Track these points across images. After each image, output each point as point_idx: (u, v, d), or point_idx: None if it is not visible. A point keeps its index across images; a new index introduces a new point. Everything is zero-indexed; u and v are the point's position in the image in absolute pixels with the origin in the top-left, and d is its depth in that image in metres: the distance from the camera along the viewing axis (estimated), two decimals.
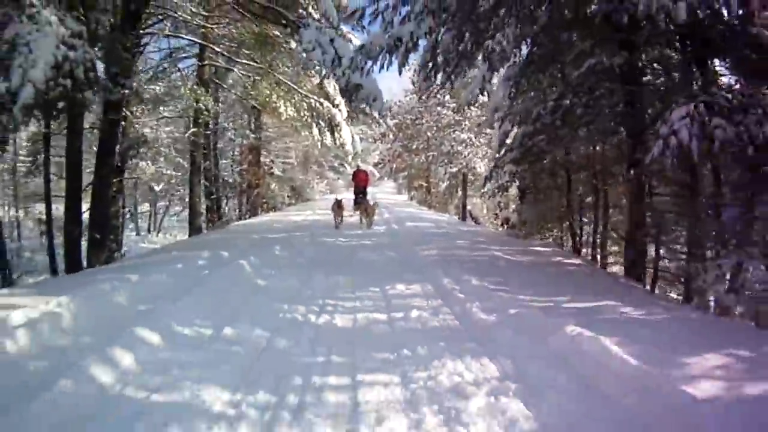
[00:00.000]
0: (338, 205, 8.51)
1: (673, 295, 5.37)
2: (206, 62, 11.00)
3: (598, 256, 6.57)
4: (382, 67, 4.57)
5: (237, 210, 15.27)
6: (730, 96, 3.62)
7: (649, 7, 3.23)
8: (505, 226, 8.38)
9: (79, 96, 4.78)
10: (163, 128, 11.41)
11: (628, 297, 3.49)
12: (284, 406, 1.71)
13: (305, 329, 2.65)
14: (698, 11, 3.45)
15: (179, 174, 12.33)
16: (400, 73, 4.56)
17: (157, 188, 13.75)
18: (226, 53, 10.20)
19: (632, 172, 4.39)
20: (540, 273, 4.37)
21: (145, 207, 17.41)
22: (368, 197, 9.47)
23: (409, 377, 1.95)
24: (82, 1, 5.34)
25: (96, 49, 5.16)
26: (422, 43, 4.58)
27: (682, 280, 4.63)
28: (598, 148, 6.20)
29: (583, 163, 6.44)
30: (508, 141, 6.72)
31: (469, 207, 12.62)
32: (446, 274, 3.84)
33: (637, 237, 4.89)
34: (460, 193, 12.52)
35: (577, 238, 6.81)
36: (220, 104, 11.84)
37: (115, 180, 7.75)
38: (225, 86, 12.17)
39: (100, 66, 5.08)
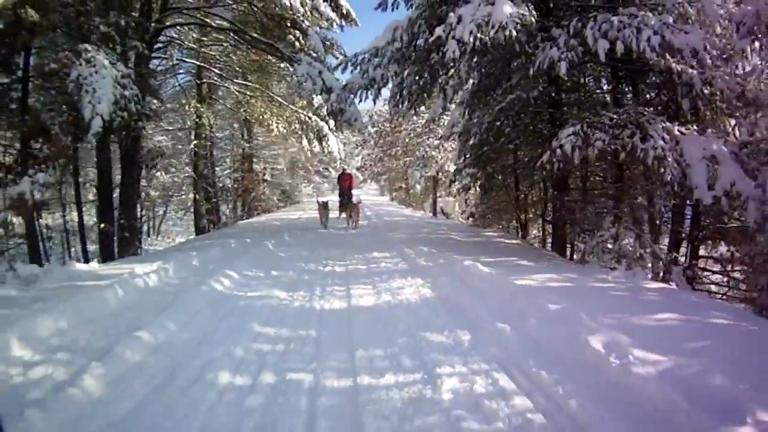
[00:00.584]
0: (324, 207, 9.20)
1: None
2: (204, 80, 12.64)
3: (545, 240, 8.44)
4: (360, 99, 6.36)
5: (232, 213, 16.82)
6: (615, 116, 5.41)
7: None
8: (470, 219, 10.15)
9: (132, 124, 6.45)
10: (169, 141, 13.02)
11: (532, 258, 5.27)
12: (313, 297, 3.45)
13: (317, 271, 4.45)
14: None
15: (177, 181, 13.87)
16: (374, 104, 6.38)
17: (154, 194, 15.22)
18: (223, 75, 11.83)
19: (543, 173, 6.23)
20: (478, 246, 6.16)
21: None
22: (353, 198, 10.14)
23: (376, 286, 3.73)
24: (121, 41, 6.97)
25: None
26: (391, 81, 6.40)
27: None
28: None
29: (526, 166, 8.30)
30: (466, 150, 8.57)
31: (441, 205, 14.55)
32: (407, 247, 5.62)
33: (558, 221, 6.74)
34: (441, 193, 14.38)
35: (523, 226, 8.67)
36: (215, 117, 13.45)
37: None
38: (220, 101, 13.81)
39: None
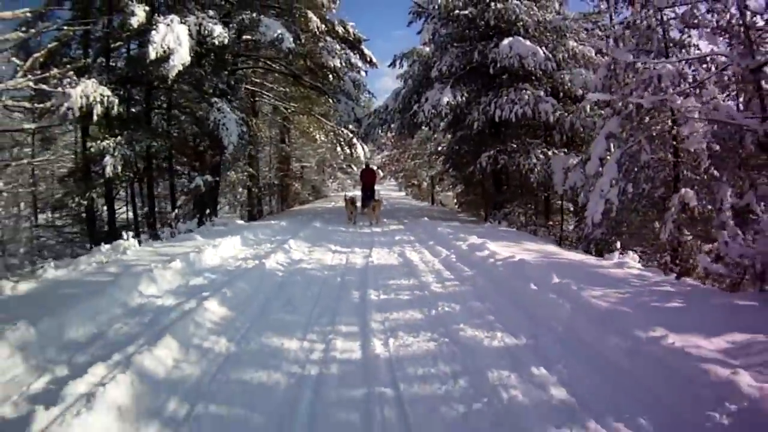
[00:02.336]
0: (351, 203, 10.50)
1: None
2: (257, 99, 17.87)
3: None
4: (378, 131, 11.50)
5: (275, 205, 22.09)
6: (515, 145, 10.45)
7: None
8: (458, 207, 15.09)
9: (249, 147, 11.73)
10: None
11: (477, 225, 10.26)
12: (357, 252, 8.35)
13: (356, 237, 9.45)
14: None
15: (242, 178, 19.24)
16: (385, 135, 11.49)
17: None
18: (274, 97, 16.99)
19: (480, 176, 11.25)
20: (447, 219, 11.13)
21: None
22: (376, 195, 11.45)
23: (385, 233, 8.81)
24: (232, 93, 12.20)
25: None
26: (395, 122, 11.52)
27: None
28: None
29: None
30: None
31: (441, 197, 19.56)
32: (404, 218, 10.73)
33: (495, 204, 11.73)
34: (437, 188, 19.40)
35: (485, 210, 13.66)
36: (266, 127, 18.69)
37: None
38: (268, 115, 19.03)
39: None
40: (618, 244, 6.41)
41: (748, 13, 5.63)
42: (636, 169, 7.32)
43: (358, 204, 10.93)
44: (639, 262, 5.68)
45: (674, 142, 6.76)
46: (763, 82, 5.55)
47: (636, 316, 2.81)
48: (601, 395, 2.14)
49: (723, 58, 6.15)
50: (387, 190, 29.95)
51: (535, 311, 3.28)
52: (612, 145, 7.52)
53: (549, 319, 3.06)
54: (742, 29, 5.73)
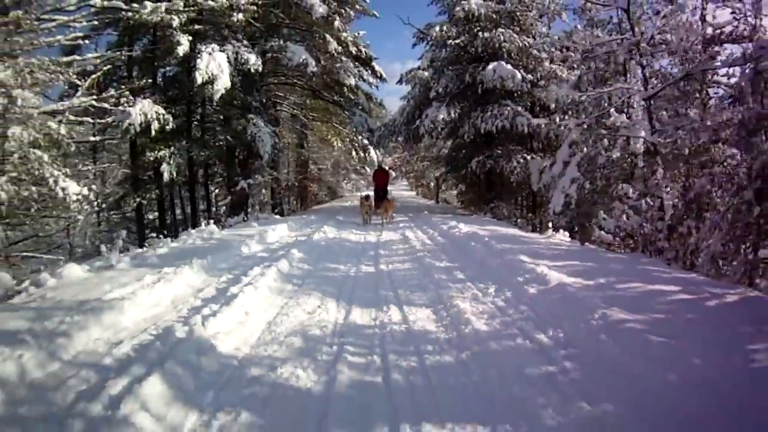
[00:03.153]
0: (366, 199, 11.49)
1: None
2: (278, 108, 20.78)
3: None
4: (388, 140, 14.35)
5: (290, 204, 25.02)
6: (500, 151, 13.22)
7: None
8: (460, 204, 17.79)
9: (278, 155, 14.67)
10: None
11: (471, 218, 13.00)
12: (371, 233, 11.29)
13: (370, 226, 12.23)
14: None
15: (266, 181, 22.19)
16: (394, 143, 14.35)
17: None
18: (296, 109, 19.86)
19: (475, 178, 14.02)
20: (447, 214, 13.89)
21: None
22: (388, 196, 12.36)
23: (396, 231, 11.61)
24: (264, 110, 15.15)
25: None
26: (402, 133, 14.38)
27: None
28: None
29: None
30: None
31: (445, 196, 22.30)
32: (410, 212, 13.54)
33: (488, 201, 14.47)
34: (442, 187, 22.15)
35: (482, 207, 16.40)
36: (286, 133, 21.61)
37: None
38: (288, 122, 21.92)
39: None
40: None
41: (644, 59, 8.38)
42: (593, 170, 9.91)
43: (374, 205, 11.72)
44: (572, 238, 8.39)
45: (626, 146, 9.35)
46: (651, 108, 8.28)
47: (518, 252, 5.56)
48: (476, 274, 4.95)
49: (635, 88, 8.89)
50: (399, 191, 32.85)
51: (467, 253, 6.11)
52: (574, 150, 10.21)
53: (473, 255, 5.88)
54: (641, 70, 8.47)
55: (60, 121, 6.44)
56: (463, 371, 2.73)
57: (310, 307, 4.04)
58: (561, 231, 8.51)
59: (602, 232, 7.34)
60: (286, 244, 7.35)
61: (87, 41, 8.88)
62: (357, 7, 17.11)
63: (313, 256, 6.49)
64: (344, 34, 15.87)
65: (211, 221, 10.08)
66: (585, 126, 9.85)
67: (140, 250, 7.19)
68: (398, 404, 2.36)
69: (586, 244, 7.44)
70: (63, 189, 5.94)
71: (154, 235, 12.15)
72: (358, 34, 17.36)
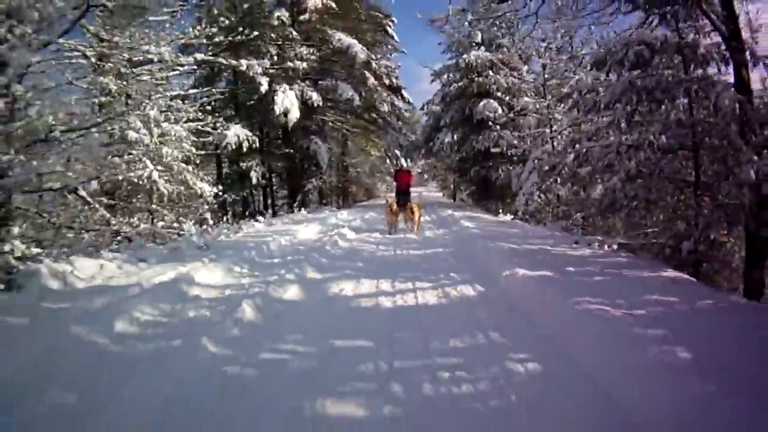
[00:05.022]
0: (393, 209, 11.26)
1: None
2: (326, 124, 28.09)
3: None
4: (413, 154, 21.45)
5: (332, 202, 32.30)
6: (491, 164, 20.10)
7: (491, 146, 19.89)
8: (471, 201, 24.54)
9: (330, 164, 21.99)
10: None
11: (469, 212, 19.85)
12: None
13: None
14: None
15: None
16: (418, 155, 21.45)
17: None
18: (340, 124, 27.06)
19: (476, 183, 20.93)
20: (457, 209, 20.79)
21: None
22: (412, 198, 13.49)
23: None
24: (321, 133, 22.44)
25: None
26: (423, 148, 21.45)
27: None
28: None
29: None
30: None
31: (462, 196, 29.03)
32: (434, 208, 20.50)
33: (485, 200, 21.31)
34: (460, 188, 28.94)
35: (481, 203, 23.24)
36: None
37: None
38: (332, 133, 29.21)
39: None
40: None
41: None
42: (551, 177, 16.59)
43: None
44: (525, 221, 15.14)
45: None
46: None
47: (467, 220, 12.43)
48: (440, 227, 11.87)
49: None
50: (428, 192, 39.86)
51: (445, 222, 13.05)
52: (535, 164, 16.97)
53: (445, 222, 12.83)
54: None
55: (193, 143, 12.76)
56: (422, 257, 9.36)
57: (372, 237, 10.97)
58: (516, 216, 15.30)
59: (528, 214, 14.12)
60: (347, 219, 14.32)
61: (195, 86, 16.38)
62: (389, 47, 24.34)
63: (362, 225, 13.35)
64: (380, 70, 22.92)
65: (303, 209, 17.33)
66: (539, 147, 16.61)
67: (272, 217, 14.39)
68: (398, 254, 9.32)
69: (516, 220, 14.22)
70: (200, 188, 11.75)
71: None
72: (392, 66, 24.56)
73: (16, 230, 6.00)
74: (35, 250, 5.88)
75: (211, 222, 10.27)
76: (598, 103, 8.31)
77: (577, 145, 9.30)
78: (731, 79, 7.45)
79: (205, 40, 12.03)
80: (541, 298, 4.59)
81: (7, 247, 5.57)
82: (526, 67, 20.50)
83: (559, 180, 12.33)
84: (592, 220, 11.97)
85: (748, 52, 7.18)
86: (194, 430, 2.46)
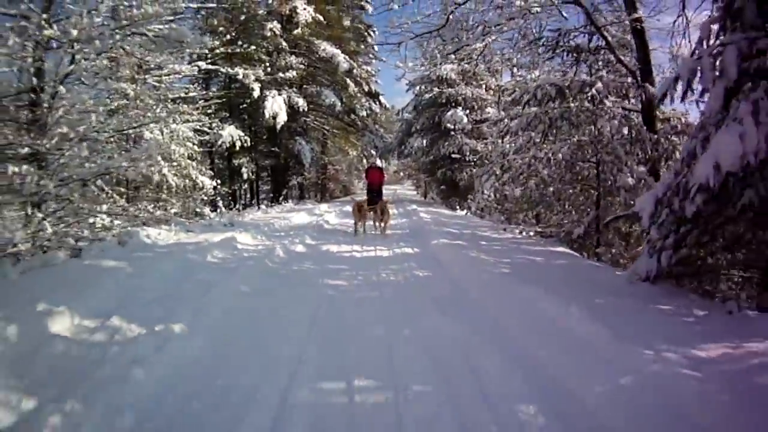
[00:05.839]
0: (359, 209, 11.08)
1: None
2: (308, 126, 31.46)
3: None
4: (388, 155, 24.99)
5: (312, 197, 35.70)
6: (456, 166, 23.73)
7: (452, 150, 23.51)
8: (440, 199, 28.14)
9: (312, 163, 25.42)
10: None
11: (435, 208, 23.42)
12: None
13: None
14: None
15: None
16: (393, 157, 24.98)
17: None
18: (321, 126, 30.44)
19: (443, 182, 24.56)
20: (422, 205, 24.38)
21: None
22: (384, 197, 13.23)
23: None
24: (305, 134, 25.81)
25: None
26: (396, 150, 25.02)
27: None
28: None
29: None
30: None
31: (432, 194, 32.72)
32: (403, 204, 24.04)
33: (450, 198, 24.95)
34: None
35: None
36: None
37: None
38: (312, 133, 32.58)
39: None
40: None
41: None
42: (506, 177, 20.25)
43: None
44: (474, 214, 18.72)
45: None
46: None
47: (422, 213, 15.95)
48: (403, 216, 15.38)
49: None
50: (404, 190, 43.50)
51: (412, 218, 16.57)
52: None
53: (412, 217, 16.34)
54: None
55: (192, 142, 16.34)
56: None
57: (349, 222, 14.40)
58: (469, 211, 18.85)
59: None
60: (328, 210, 17.72)
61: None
62: (370, 56, 27.84)
63: (346, 213, 16.80)
64: (361, 77, 26.31)
65: (289, 201, 20.68)
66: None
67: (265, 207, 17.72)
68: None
69: (469, 214, 17.77)
70: (202, 181, 15.00)
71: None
72: (372, 72, 28.04)
73: (105, 207, 9.17)
74: (117, 222, 9.03)
75: (222, 209, 13.43)
76: (510, 130, 11.83)
77: (507, 157, 12.74)
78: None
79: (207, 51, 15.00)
80: (451, 253, 8.09)
81: (98, 222, 8.56)
82: (494, 80, 24.15)
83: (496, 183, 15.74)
84: (526, 215, 15.56)
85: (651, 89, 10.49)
86: (270, 293, 5.81)
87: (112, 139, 9.02)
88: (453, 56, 16.09)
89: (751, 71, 4.87)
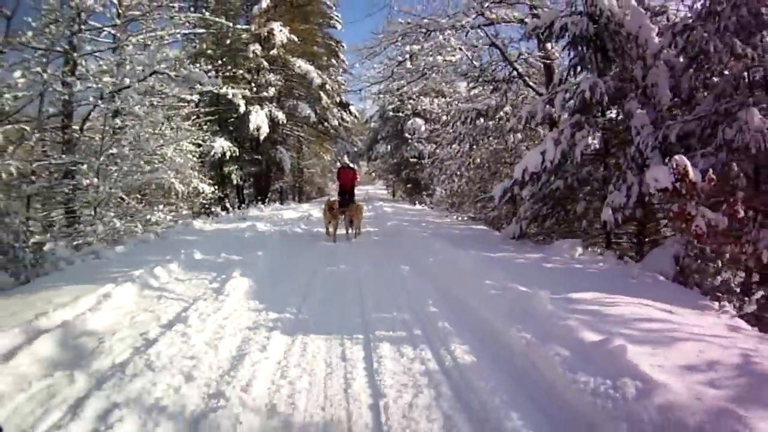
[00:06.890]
0: (330, 209, 11.56)
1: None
2: (286, 134, 36.22)
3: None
4: (359, 159, 29.99)
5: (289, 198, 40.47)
6: (418, 167, 28.88)
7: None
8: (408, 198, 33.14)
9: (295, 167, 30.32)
10: None
11: (397, 203, 28.46)
12: None
13: None
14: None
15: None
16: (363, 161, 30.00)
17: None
18: (297, 133, 35.20)
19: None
20: (390, 203, 29.43)
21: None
22: (356, 199, 13.49)
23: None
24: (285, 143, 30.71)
25: None
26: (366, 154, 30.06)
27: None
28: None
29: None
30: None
31: (400, 192, 37.81)
32: (372, 202, 29.02)
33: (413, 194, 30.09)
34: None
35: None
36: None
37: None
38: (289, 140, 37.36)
39: None
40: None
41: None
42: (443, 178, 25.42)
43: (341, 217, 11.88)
44: (433, 208, 23.79)
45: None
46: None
47: (385, 207, 20.97)
48: (371, 217, 20.41)
49: None
50: (376, 190, 48.67)
51: (375, 207, 21.60)
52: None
53: (378, 211, 21.36)
54: None
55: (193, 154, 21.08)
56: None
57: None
58: (426, 205, 23.93)
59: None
60: (310, 209, 22.63)
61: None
62: (340, 69, 32.85)
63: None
64: (332, 90, 31.14)
65: (274, 203, 25.54)
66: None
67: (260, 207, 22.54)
68: None
69: (425, 207, 22.83)
70: (202, 188, 20.15)
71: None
72: (343, 82, 33.00)
73: (161, 206, 14.00)
74: (170, 216, 13.83)
75: (232, 208, 18.25)
76: (443, 143, 17.02)
77: (444, 162, 17.88)
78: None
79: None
80: (398, 229, 13.16)
81: (153, 218, 13.23)
82: (452, 89, 29.28)
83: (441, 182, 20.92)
84: (469, 205, 20.73)
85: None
86: (289, 246, 10.69)
87: (147, 157, 12.89)
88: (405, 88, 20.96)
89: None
